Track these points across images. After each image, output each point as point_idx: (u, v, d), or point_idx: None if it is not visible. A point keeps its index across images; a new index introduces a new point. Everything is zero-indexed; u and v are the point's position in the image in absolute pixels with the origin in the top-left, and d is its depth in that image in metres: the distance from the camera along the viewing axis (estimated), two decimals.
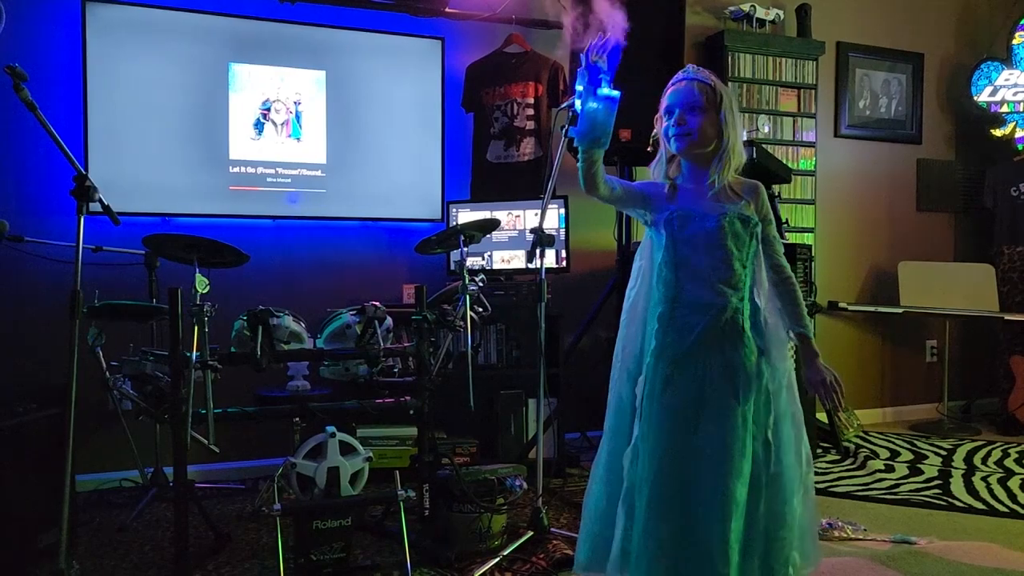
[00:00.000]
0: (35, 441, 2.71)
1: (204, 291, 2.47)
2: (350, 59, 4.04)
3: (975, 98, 5.38)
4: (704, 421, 1.91)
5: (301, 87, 3.95)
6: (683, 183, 2.07)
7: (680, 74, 2.07)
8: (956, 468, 4.04)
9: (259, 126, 3.89)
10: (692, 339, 1.94)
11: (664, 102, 2.06)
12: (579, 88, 1.95)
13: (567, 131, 2.87)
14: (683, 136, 2.00)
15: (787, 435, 2.01)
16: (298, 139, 3.96)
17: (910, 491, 3.64)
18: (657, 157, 2.11)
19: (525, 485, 2.95)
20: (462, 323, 2.83)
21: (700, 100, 2.00)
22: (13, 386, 3.31)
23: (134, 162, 3.67)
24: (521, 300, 3.86)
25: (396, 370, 3.05)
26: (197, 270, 2.50)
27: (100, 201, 2.48)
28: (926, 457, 4.27)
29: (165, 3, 3.71)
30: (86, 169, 3.39)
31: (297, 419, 2.88)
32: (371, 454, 2.77)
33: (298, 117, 3.96)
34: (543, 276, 2.89)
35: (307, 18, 3.95)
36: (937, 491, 3.64)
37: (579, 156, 1.95)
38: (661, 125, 2.08)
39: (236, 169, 3.85)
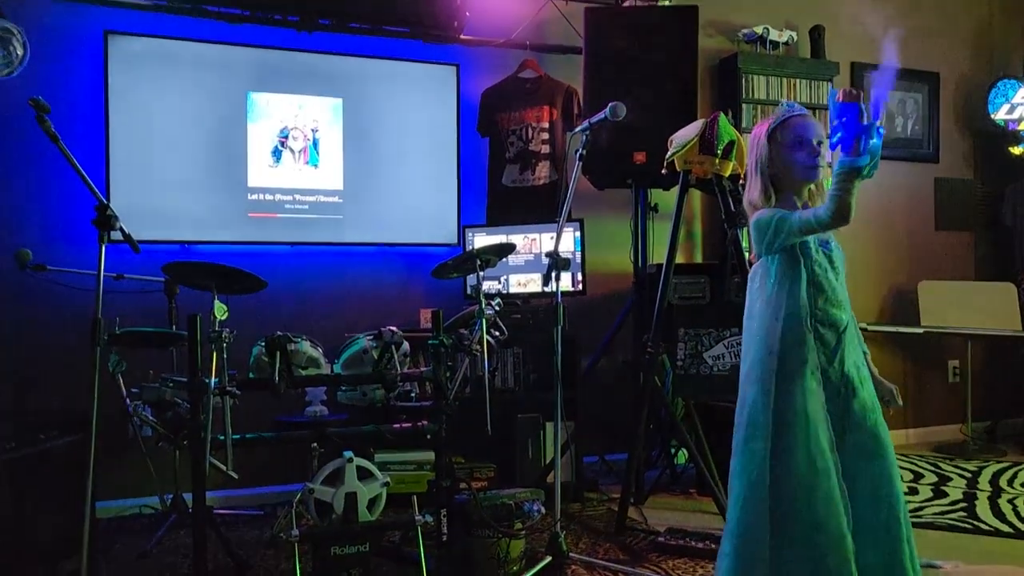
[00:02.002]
0: (57, 468, 2.74)
1: (223, 318, 2.49)
2: (366, 86, 4.09)
3: (992, 116, 5.35)
4: (850, 431, 2.05)
5: (318, 115, 4.00)
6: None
7: (791, 109, 2.15)
8: (981, 490, 3.98)
9: (277, 154, 3.94)
10: (833, 356, 2.06)
11: (795, 131, 2.11)
12: (837, 122, 1.93)
13: (581, 154, 2.90)
14: (820, 167, 2.11)
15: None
16: (315, 166, 4.00)
17: (935, 514, 3.59)
18: (758, 186, 2.14)
19: (543, 510, 2.93)
20: (479, 347, 2.83)
21: (824, 140, 2.11)
22: (35, 413, 3.34)
23: (154, 190, 3.72)
24: (537, 323, 3.86)
25: (413, 395, 3.05)
26: (216, 297, 2.52)
27: (121, 230, 2.52)
28: (950, 479, 4.21)
29: (185, 35, 3.78)
30: (107, 198, 3.44)
31: (315, 444, 2.88)
32: (389, 479, 2.77)
33: (315, 144, 4.00)
34: (559, 299, 2.89)
35: (324, 47, 4.01)
36: (962, 514, 3.59)
37: (851, 188, 1.92)
38: (767, 151, 2.12)
39: (254, 196, 3.89)
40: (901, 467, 4.41)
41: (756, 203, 2.15)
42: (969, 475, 4.29)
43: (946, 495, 3.90)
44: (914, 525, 3.39)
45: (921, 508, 3.67)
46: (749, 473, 2.06)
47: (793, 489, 1.98)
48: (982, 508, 3.67)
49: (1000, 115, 5.33)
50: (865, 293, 5.20)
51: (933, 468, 4.45)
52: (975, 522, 3.46)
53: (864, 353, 2.19)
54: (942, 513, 3.60)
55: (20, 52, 3.43)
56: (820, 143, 2.11)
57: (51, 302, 3.50)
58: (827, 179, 2.13)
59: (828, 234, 2.12)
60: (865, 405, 2.06)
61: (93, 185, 2.48)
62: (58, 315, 3.55)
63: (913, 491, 3.97)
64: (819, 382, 2.03)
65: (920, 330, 4.97)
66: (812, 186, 2.15)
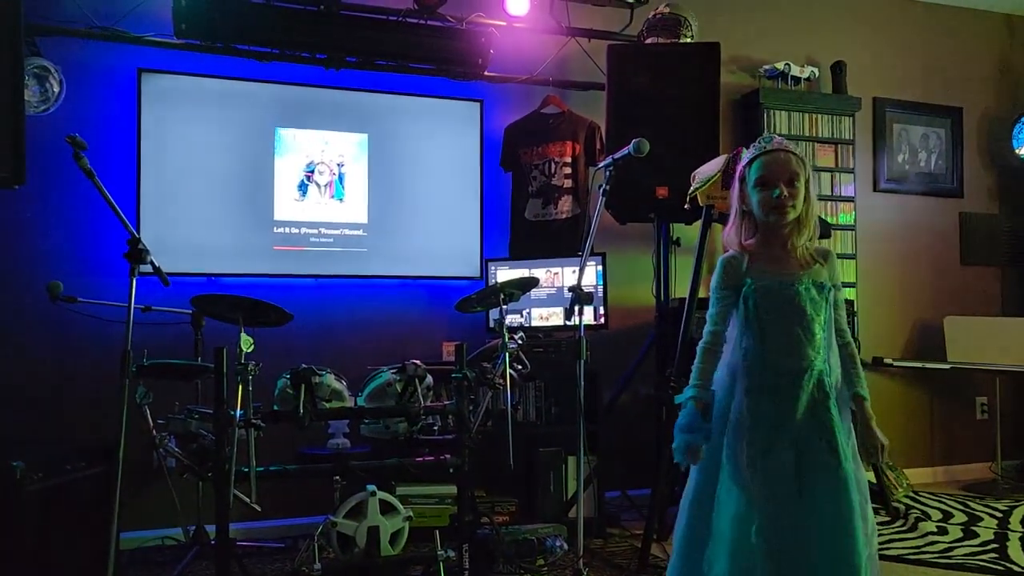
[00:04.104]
0: (82, 499, 2.76)
1: (249, 350, 2.52)
2: (391, 122, 4.15)
3: (1016, 151, 5.32)
4: (808, 485, 1.97)
5: (344, 150, 4.06)
6: (759, 249, 2.09)
7: (765, 144, 2.09)
8: (1013, 531, 3.89)
9: (303, 188, 4.00)
10: (785, 406, 1.99)
11: (756, 171, 2.06)
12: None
13: (604, 189, 2.92)
14: (786, 208, 2.02)
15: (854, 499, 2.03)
16: (341, 200, 4.05)
17: (965, 555, 3.51)
18: (733, 224, 2.14)
19: (566, 545, 2.92)
20: (502, 381, 2.83)
21: (798, 172, 2.04)
22: (63, 443, 3.38)
23: (183, 224, 3.78)
24: (560, 357, 3.86)
25: (436, 428, 3.05)
26: (242, 330, 2.55)
27: (151, 263, 2.56)
28: (980, 519, 4.13)
29: (216, 72, 3.87)
30: (138, 231, 3.50)
31: (337, 477, 2.89)
32: (411, 513, 2.76)
33: (341, 179, 4.06)
34: (582, 333, 2.89)
35: (350, 84, 4.08)
36: (994, 555, 3.51)
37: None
38: (738, 191, 2.11)
39: (280, 230, 3.95)
40: (929, 506, 4.34)
41: (729, 240, 2.14)
42: (1000, 515, 4.20)
43: (976, 535, 3.82)
44: (944, 566, 3.36)
45: (951, 548, 3.60)
46: (678, 527, 2.11)
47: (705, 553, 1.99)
48: (1014, 549, 3.59)
49: None
50: (890, 328, 5.15)
51: (963, 507, 4.36)
52: (1007, 563, 3.39)
53: (864, 399, 2.07)
54: (972, 554, 3.52)
55: (56, 89, 3.54)
56: (792, 180, 2.02)
57: (80, 333, 3.55)
58: (812, 215, 2.07)
59: (801, 274, 2.04)
60: (831, 451, 1.98)
61: (126, 219, 2.53)
62: (87, 346, 3.60)
63: (943, 531, 3.89)
64: (747, 438, 1.98)
65: (946, 366, 4.91)
66: (793, 222, 2.05)
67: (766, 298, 2.02)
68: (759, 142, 2.11)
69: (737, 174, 2.12)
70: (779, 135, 4.65)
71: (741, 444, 1.99)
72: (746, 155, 2.11)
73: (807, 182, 2.06)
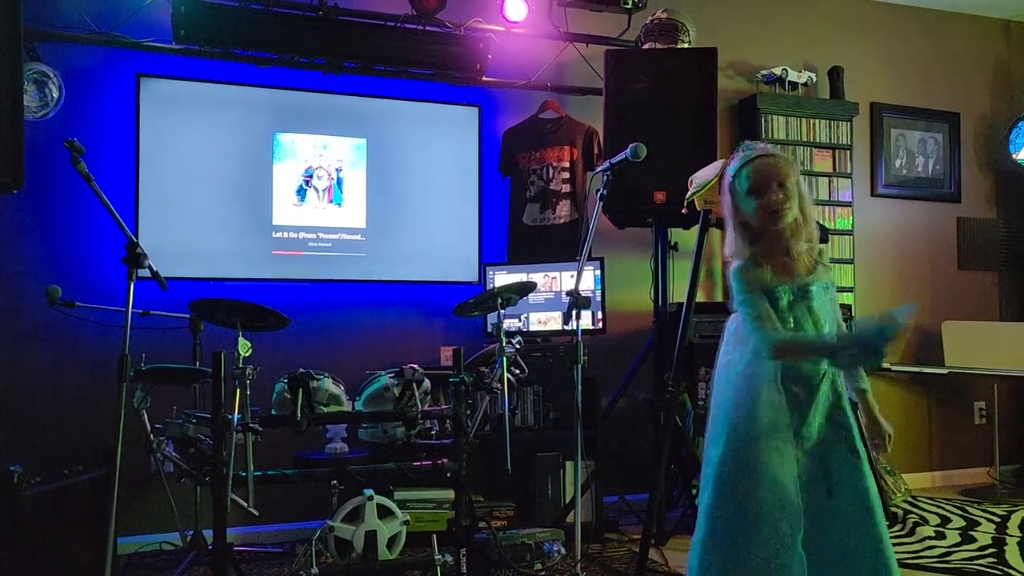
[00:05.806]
0: (80, 503, 2.76)
1: (247, 354, 2.52)
2: (390, 127, 4.16)
3: (1013, 156, 5.34)
4: (836, 485, 1.99)
5: (342, 154, 4.07)
6: (765, 259, 2.06)
7: (750, 151, 2.06)
8: (1011, 535, 3.89)
9: (301, 192, 4.00)
10: (807, 409, 2.00)
11: (746, 180, 2.02)
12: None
13: (602, 194, 2.93)
14: (783, 211, 2.00)
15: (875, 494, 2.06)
16: (339, 204, 4.06)
17: (963, 560, 3.51)
18: (735, 237, 2.09)
19: (563, 550, 2.92)
20: (499, 385, 2.84)
21: (788, 173, 2.02)
22: (61, 447, 3.38)
23: (182, 228, 3.79)
24: (558, 362, 3.86)
25: (433, 432, 3.06)
26: (240, 334, 2.56)
27: (149, 267, 2.57)
28: (979, 524, 4.13)
29: (214, 77, 3.87)
30: (136, 235, 3.50)
31: (335, 481, 2.89)
32: (408, 517, 2.76)
33: (339, 183, 4.06)
34: (579, 338, 2.90)
35: (349, 88, 4.09)
36: (992, 560, 3.51)
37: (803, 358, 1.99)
38: (731, 204, 2.07)
39: (279, 234, 3.95)
40: (926, 511, 4.34)
41: (737, 251, 2.08)
42: (998, 520, 4.20)
43: (974, 540, 3.82)
44: (942, 571, 3.35)
45: (949, 553, 3.60)
46: (704, 546, 2.01)
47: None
48: (1012, 554, 3.59)
49: (1022, 155, 5.31)
50: None
51: (960, 512, 4.36)
52: (1005, 568, 3.39)
53: (866, 391, 2.07)
54: (970, 559, 3.52)
55: (56, 94, 3.54)
56: (782, 184, 1.99)
57: (79, 338, 3.56)
58: (809, 216, 2.05)
59: (811, 278, 2.04)
60: (851, 449, 2.00)
61: (124, 224, 2.53)
62: (85, 350, 3.60)
63: (940, 535, 3.89)
64: (788, 442, 1.95)
65: (944, 371, 4.91)
66: (791, 225, 2.02)
67: (781, 301, 2.01)
68: (741, 151, 2.08)
69: (726, 187, 2.08)
70: (776, 140, 4.71)
71: (763, 445, 1.97)
72: (730, 168, 2.07)
73: (798, 182, 2.04)
